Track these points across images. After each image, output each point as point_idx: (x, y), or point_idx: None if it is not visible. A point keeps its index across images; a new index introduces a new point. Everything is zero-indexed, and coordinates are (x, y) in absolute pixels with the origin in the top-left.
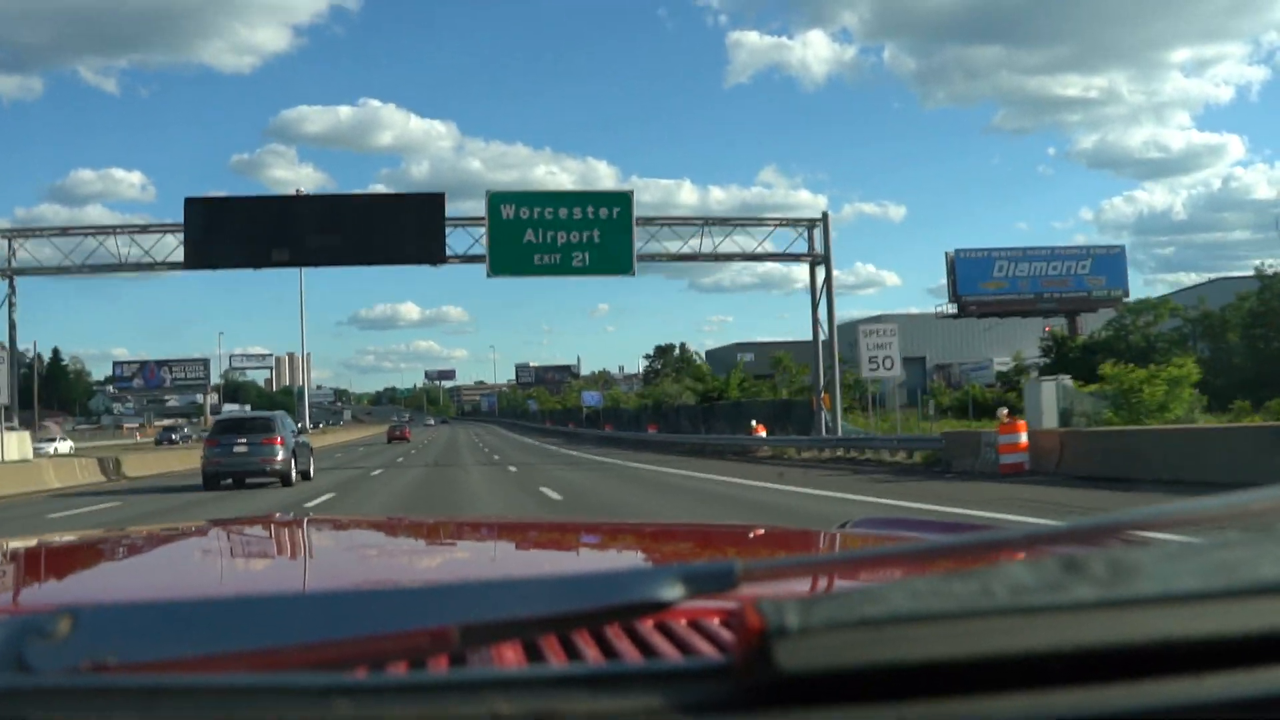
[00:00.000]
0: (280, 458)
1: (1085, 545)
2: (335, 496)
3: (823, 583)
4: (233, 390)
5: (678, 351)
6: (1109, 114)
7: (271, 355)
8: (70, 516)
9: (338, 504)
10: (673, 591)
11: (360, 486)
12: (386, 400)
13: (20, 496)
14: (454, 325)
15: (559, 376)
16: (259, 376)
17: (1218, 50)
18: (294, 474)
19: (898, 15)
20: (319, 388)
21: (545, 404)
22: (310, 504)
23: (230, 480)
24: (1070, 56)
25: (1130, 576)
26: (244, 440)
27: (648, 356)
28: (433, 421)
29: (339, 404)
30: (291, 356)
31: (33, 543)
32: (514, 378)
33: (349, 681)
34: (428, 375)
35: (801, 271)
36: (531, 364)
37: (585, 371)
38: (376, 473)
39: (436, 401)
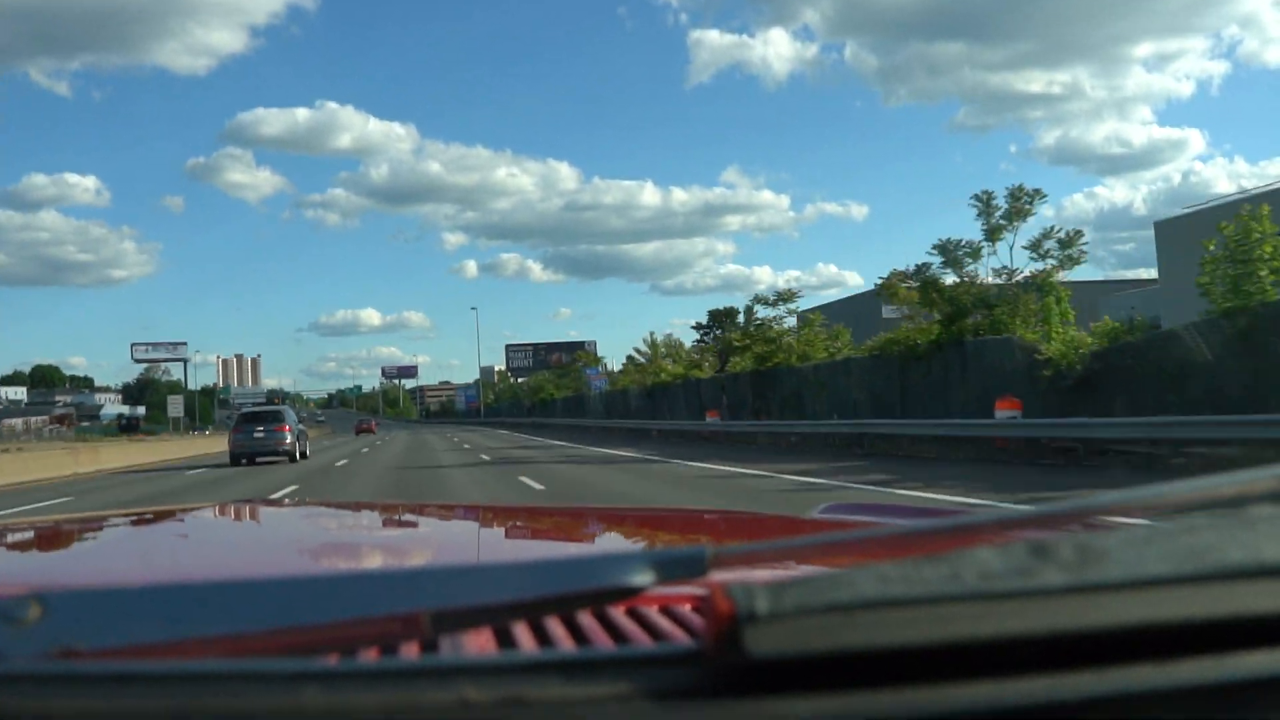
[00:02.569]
0: (289, 441)
1: (1054, 530)
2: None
3: (792, 568)
4: (139, 390)
5: (742, 316)
6: (1071, 109)
7: (185, 344)
8: None
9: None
10: (643, 577)
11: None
12: (337, 404)
13: None
14: (415, 330)
15: (566, 358)
16: (190, 374)
17: (1180, 44)
18: (298, 453)
19: (859, 12)
20: (234, 388)
21: (620, 382)
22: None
23: (246, 460)
24: (1033, 52)
25: (1098, 561)
26: (262, 428)
27: (699, 326)
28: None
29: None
30: (240, 358)
31: (6, 526)
32: (503, 362)
33: (318, 667)
34: (385, 373)
35: (764, 273)
36: (526, 342)
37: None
38: None
39: (396, 403)
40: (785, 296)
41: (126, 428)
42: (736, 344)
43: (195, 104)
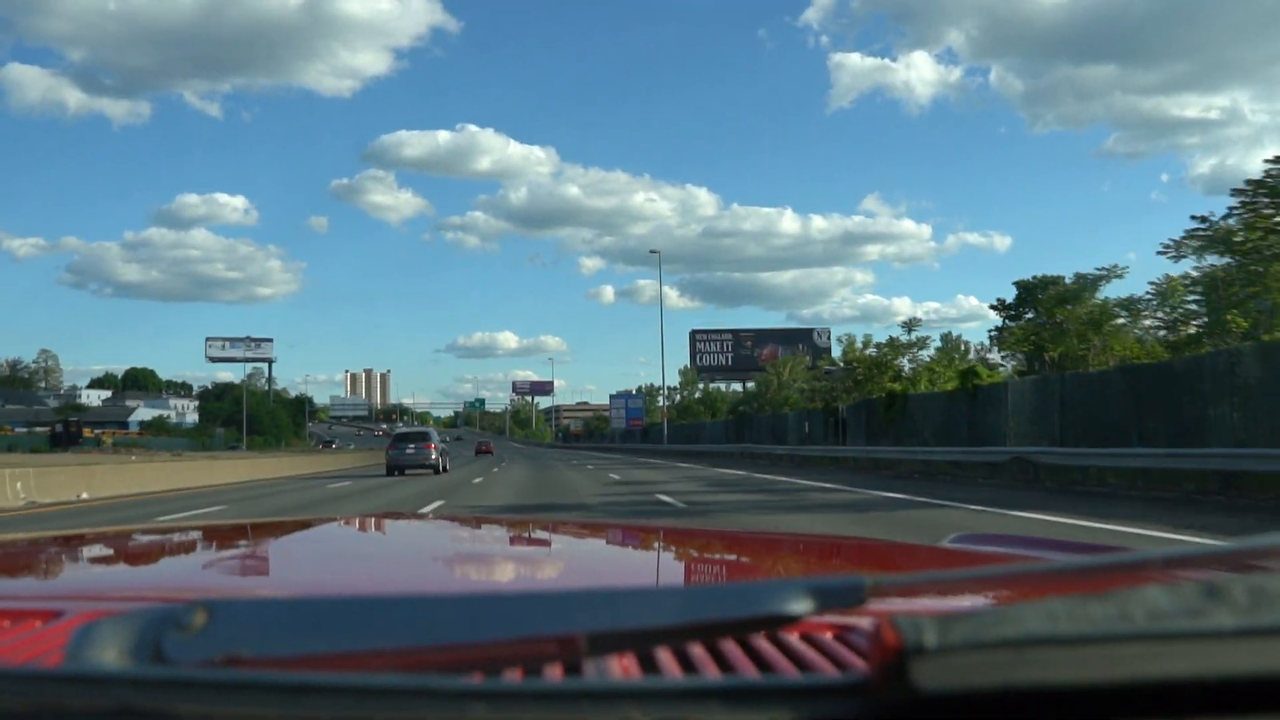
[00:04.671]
0: (434, 457)
1: (1224, 570)
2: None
3: (950, 601)
4: (216, 395)
5: (1072, 279)
6: (1229, 136)
7: (270, 341)
8: None
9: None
10: (801, 605)
11: None
12: (462, 422)
13: None
14: (552, 354)
15: (784, 350)
16: (251, 373)
17: None
18: (442, 467)
19: (1006, 33)
20: (335, 398)
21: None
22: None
23: (398, 471)
24: (1188, 74)
25: (1272, 605)
26: (412, 446)
27: (1001, 307)
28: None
29: (351, 425)
30: (369, 373)
31: (165, 530)
32: (688, 359)
33: (485, 686)
34: (516, 388)
35: (903, 304)
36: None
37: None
38: None
39: (528, 423)
40: None
41: (60, 438)
42: None
43: (339, 125)
